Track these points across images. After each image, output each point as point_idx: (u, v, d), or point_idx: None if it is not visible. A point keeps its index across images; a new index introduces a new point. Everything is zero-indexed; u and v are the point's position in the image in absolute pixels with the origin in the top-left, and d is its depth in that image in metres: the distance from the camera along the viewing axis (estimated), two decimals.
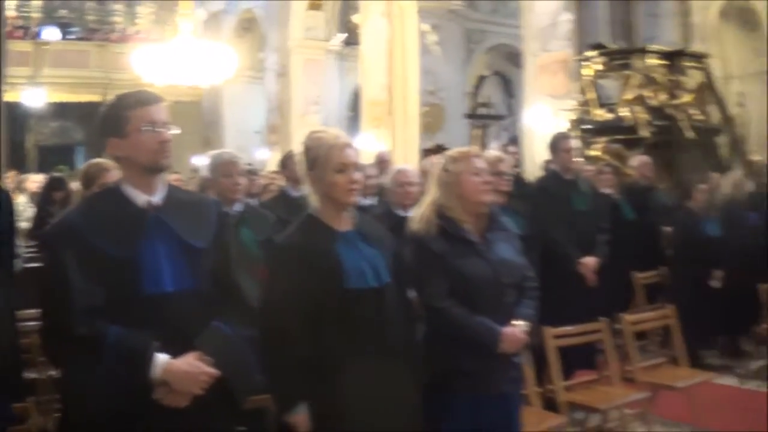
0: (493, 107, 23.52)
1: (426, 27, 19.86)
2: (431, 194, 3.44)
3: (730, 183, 8.04)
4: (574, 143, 6.56)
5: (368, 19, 17.26)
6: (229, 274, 2.76)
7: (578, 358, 5.22)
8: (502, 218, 3.49)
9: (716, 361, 7.27)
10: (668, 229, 7.67)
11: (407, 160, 14.01)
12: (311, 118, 20.55)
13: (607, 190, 7.81)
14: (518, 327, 3.26)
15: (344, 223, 2.99)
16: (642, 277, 7.29)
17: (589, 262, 5.91)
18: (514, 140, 17.37)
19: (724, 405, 6.01)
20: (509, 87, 23.95)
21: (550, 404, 4.68)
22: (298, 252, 2.88)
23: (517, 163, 10.23)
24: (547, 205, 6.01)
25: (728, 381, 6.79)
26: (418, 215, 3.43)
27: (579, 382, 5.10)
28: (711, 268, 7.14)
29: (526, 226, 5.03)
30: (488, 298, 3.25)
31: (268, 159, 20.42)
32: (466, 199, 3.33)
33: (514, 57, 20.17)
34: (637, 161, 8.60)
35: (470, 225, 3.34)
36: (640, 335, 5.90)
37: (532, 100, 14.68)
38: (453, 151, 3.53)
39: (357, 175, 2.97)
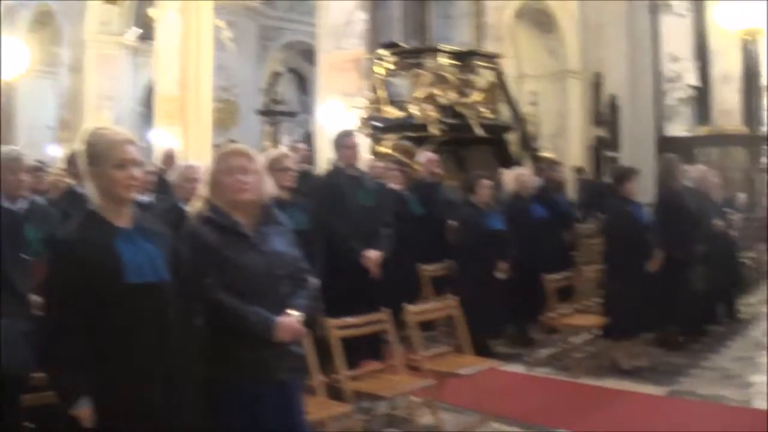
0: (286, 104, 23.82)
1: (221, 23, 19.84)
2: (203, 190, 3.57)
3: (513, 178, 8.60)
4: (358, 140, 6.86)
5: (164, 14, 17.10)
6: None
7: (365, 349, 5.46)
8: (275, 212, 3.63)
9: (506, 350, 7.78)
10: (454, 223, 8.06)
11: (200, 156, 13.97)
12: (104, 114, 20.29)
13: (395, 186, 8.16)
14: (293, 316, 3.40)
15: (123, 219, 3.09)
16: (429, 270, 7.70)
17: (373, 255, 6.21)
18: (308, 137, 17.70)
19: (512, 391, 6.51)
20: (304, 84, 24.37)
21: (337, 394, 4.88)
22: (77, 246, 2.94)
23: (308, 160, 10.46)
24: (331, 199, 6.27)
25: (517, 368, 7.31)
26: (193, 210, 3.55)
27: (365, 371, 5.33)
28: (496, 260, 7.58)
29: (311, 220, 5.24)
30: (263, 290, 3.39)
31: (59, 155, 19.83)
32: (227, 197, 3.47)
33: (309, 54, 20.56)
34: (423, 158, 9.05)
35: (243, 219, 3.47)
36: (428, 326, 6.23)
37: (325, 97, 15.04)
38: (219, 150, 3.70)
39: (137, 172, 3.07)
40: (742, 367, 7.37)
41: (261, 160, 3.78)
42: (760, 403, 6.22)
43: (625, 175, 7.52)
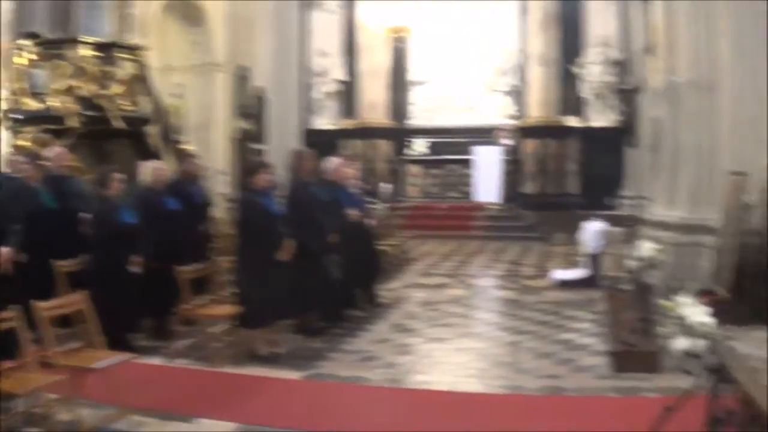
0: None
1: None
2: None
3: (149, 171, 8.90)
4: None
5: None
6: None
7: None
8: None
9: (146, 343, 8.07)
10: (87, 215, 8.21)
11: None
12: None
13: (28, 181, 8.19)
14: None
15: None
16: (64, 265, 7.81)
17: (2, 252, 6.28)
18: None
19: (151, 383, 6.81)
20: None
21: None
22: None
23: None
24: None
25: (156, 361, 7.63)
26: None
27: None
28: (129, 254, 7.85)
29: None
30: None
31: None
32: None
33: None
34: (53, 152, 9.15)
35: None
36: (66, 322, 6.38)
37: None
38: None
39: None
40: (382, 350, 8.21)
41: None
42: (403, 383, 7.09)
43: (256, 167, 8.14)
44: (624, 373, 7.11)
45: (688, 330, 4.20)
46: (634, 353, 7.28)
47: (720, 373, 4.13)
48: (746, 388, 3.71)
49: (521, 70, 21.15)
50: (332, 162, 9.79)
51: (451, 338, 8.83)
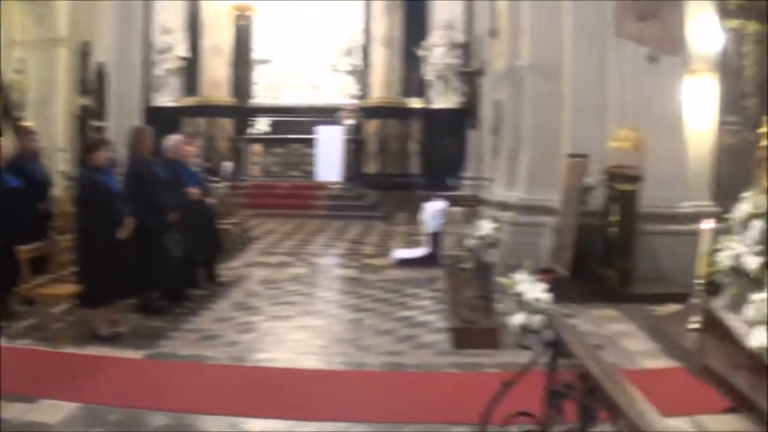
0: None
1: None
2: None
3: None
4: None
5: None
6: None
7: None
8: None
9: None
10: None
11: None
12: None
13: None
14: None
15: None
16: None
17: None
18: None
19: None
20: None
21: None
22: None
23: None
24: None
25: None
26: None
27: None
28: None
29: None
30: None
31: None
32: None
33: None
34: None
35: None
36: None
37: None
38: None
39: None
40: (223, 328, 8.16)
41: None
42: (245, 361, 7.06)
43: (95, 145, 7.94)
44: (464, 349, 7.27)
45: (525, 306, 4.32)
46: (474, 330, 7.45)
47: (557, 347, 4.27)
48: (583, 362, 3.85)
49: (365, 51, 21.28)
50: (172, 140, 9.61)
51: (292, 316, 8.83)
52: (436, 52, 20.80)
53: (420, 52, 20.78)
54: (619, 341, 7.89)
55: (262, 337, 7.99)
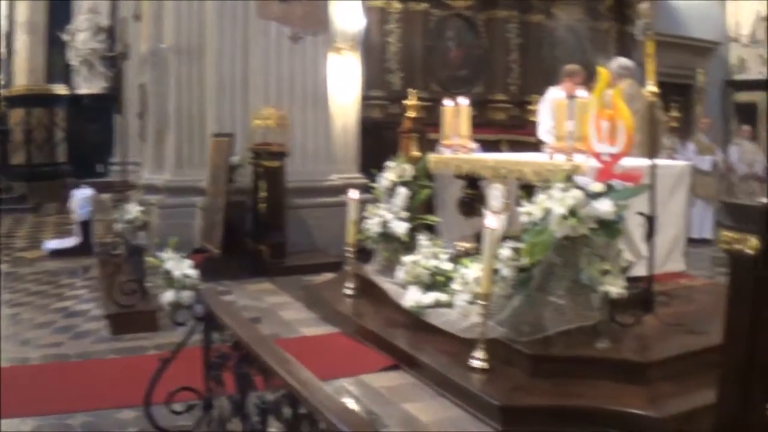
0: None
1: None
2: None
3: None
4: None
5: None
6: None
7: None
8: None
9: None
10: None
11: None
12: None
13: None
14: None
15: None
16: None
17: None
18: None
19: None
20: None
21: None
22: None
23: None
24: None
25: None
26: None
27: None
28: None
29: None
30: None
31: None
32: None
33: None
34: None
35: None
36: None
37: None
38: None
39: None
40: None
41: None
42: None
43: None
44: (123, 334, 7.16)
45: (174, 283, 4.35)
46: (131, 314, 7.35)
47: (209, 320, 4.32)
48: (234, 331, 3.93)
49: (8, 38, 20.11)
50: None
51: None
52: (81, 37, 20.03)
53: (64, 37, 19.93)
54: (277, 312, 8.12)
55: None
